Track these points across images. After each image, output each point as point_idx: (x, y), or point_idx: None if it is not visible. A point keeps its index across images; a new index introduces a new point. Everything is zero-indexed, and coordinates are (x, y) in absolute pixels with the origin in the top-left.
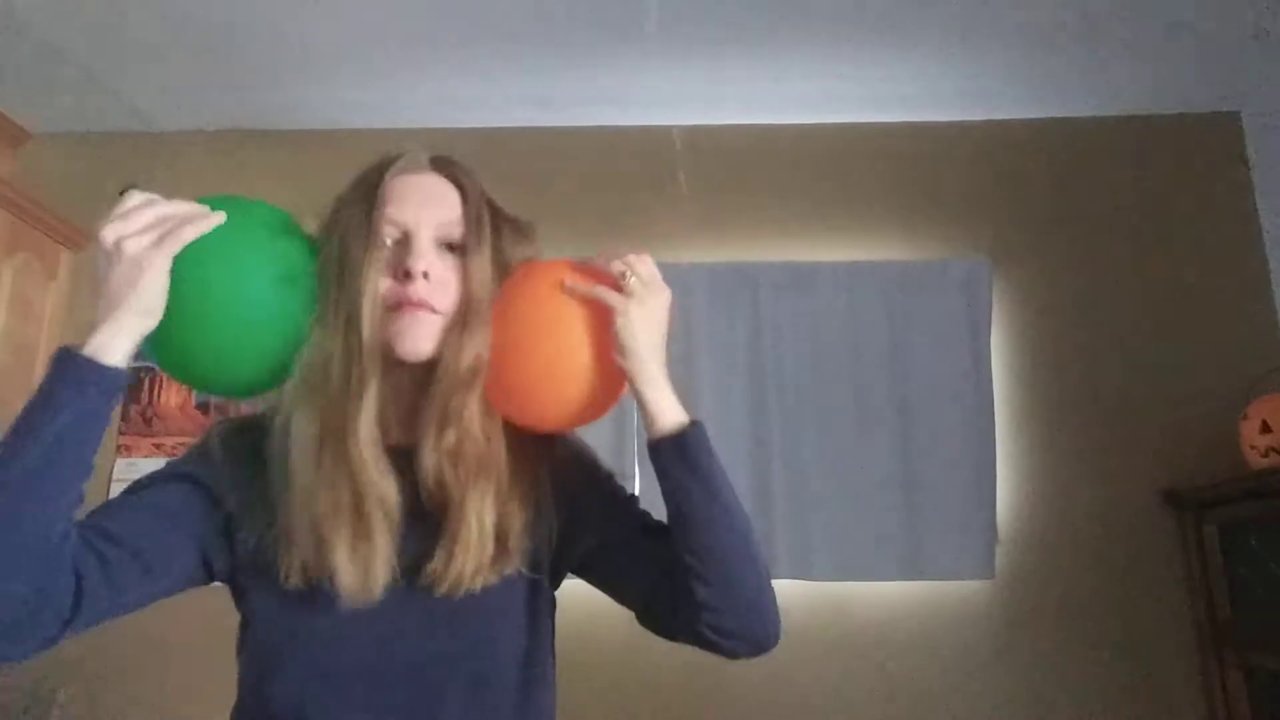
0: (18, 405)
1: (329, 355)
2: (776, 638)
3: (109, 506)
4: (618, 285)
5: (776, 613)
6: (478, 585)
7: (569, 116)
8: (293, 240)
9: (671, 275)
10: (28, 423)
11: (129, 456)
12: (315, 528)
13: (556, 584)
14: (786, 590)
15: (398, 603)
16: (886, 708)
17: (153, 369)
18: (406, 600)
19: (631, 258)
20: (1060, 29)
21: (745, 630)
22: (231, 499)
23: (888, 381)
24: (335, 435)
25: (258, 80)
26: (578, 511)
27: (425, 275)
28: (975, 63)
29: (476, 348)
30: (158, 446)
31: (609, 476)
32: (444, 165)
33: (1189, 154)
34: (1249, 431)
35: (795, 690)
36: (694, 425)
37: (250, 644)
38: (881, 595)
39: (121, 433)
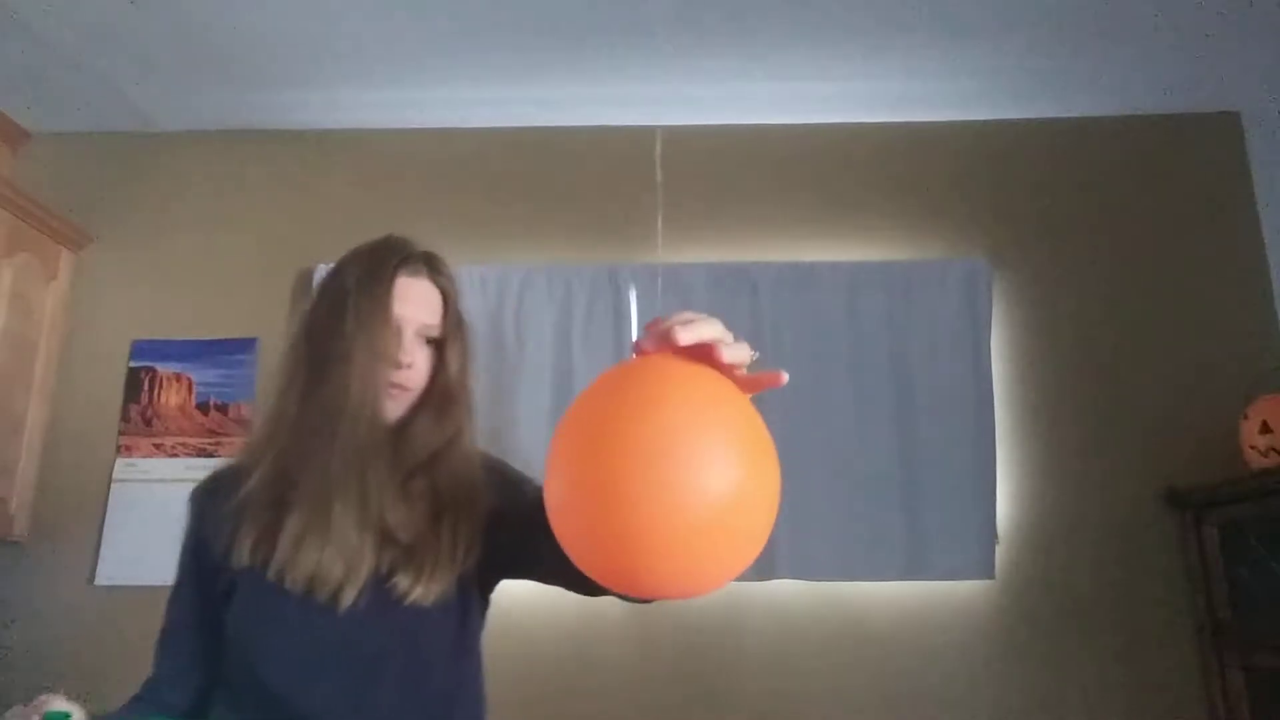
0: (17, 405)
1: (351, 409)
2: None
3: (163, 652)
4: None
5: None
6: (430, 599)
7: (569, 117)
8: None
9: (672, 275)
10: None
11: (129, 456)
12: (304, 552)
13: (492, 579)
14: (787, 590)
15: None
16: (886, 707)
17: (153, 369)
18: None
19: (702, 321)
20: (1060, 29)
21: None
22: (218, 540)
23: (888, 381)
24: (332, 492)
25: (258, 80)
26: (503, 520)
27: (409, 365)
28: (975, 63)
29: (449, 430)
30: (158, 446)
31: (526, 480)
32: (435, 272)
33: (1189, 154)
34: (1249, 431)
35: (796, 690)
36: None
37: (231, 621)
38: (881, 595)
39: (121, 433)
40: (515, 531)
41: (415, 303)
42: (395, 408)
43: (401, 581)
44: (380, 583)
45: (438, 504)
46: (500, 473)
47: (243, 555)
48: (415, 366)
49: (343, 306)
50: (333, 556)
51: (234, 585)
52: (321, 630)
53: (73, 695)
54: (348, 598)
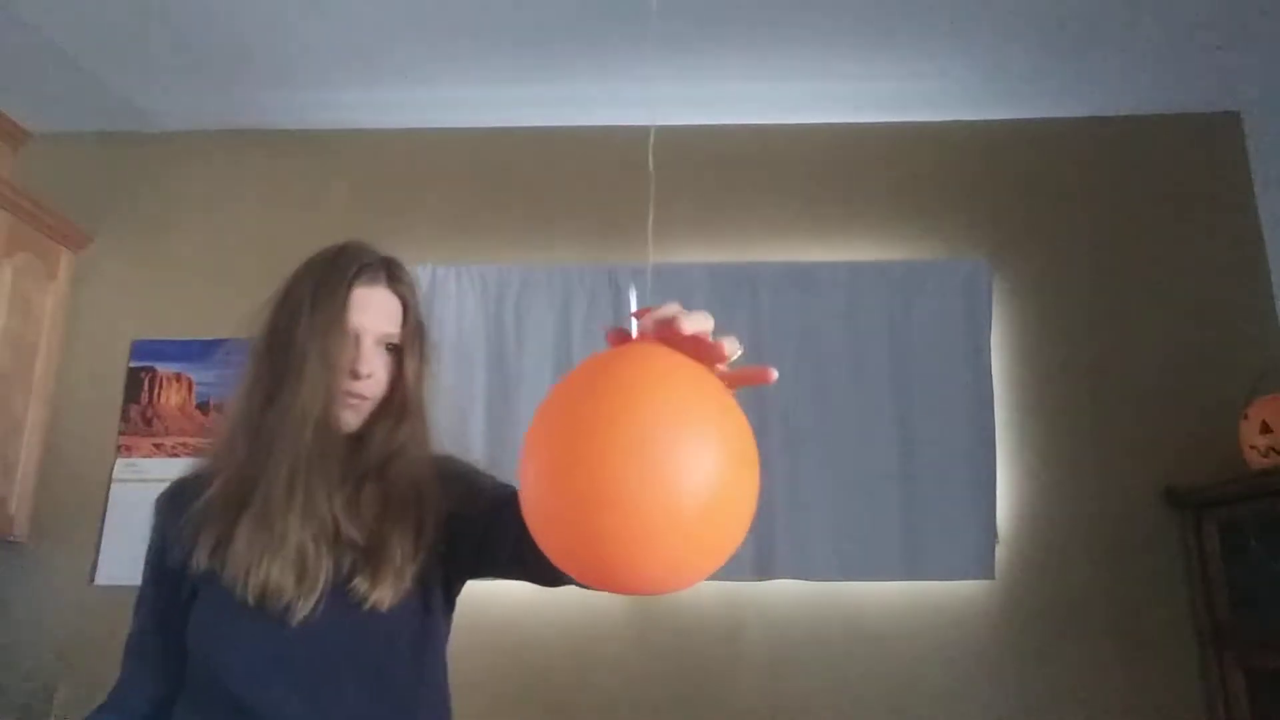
0: (17, 405)
1: (297, 418)
2: None
3: (129, 658)
4: (716, 350)
5: None
6: (389, 602)
7: (568, 117)
8: None
9: (672, 275)
10: None
11: (129, 456)
12: (257, 563)
13: (454, 581)
14: (787, 590)
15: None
16: (886, 707)
17: (152, 368)
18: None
19: (699, 315)
20: (1060, 29)
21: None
22: (178, 547)
23: (888, 381)
24: (285, 494)
25: (258, 80)
26: (460, 522)
27: (368, 375)
28: (975, 63)
29: (405, 435)
30: (158, 446)
31: (480, 475)
32: (394, 280)
33: (1189, 154)
34: (1249, 431)
35: (795, 690)
36: None
37: (191, 629)
38: (881, 595)
39: (121, 433)
40: (473, 533)
41: (374, 312)
42: (354, 417)
43: (360, 585)
44: (340, 587)
45: (391, 509)
46: (453, 474)
47: (201, 562)
48: (374, 376)
49: (298, 316)
50: (284, 568)
51: (195, 592)
52: (276, 642)
53: (72, 695)
54: (300, 611)
